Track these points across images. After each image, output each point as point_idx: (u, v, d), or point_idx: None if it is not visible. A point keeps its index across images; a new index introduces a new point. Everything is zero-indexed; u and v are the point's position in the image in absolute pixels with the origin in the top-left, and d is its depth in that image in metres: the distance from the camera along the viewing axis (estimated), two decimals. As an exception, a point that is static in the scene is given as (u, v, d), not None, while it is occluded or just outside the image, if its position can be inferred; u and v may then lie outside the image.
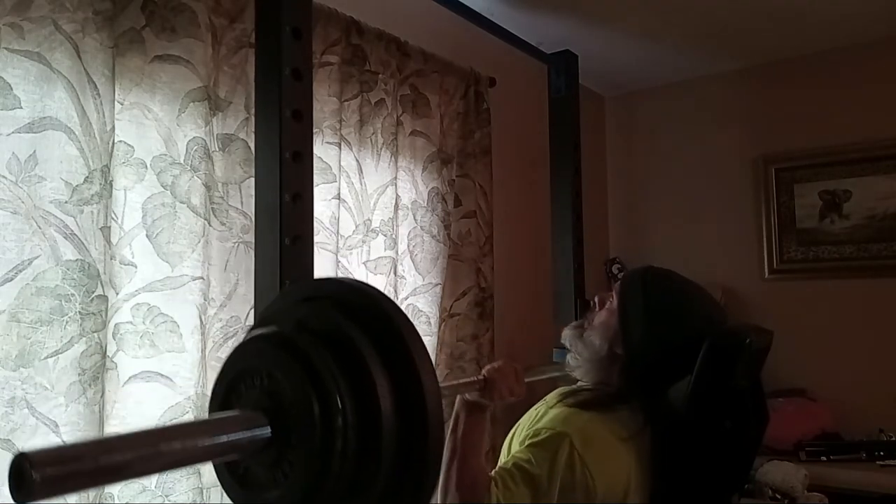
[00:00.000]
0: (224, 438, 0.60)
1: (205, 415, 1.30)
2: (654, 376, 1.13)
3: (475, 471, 1.12)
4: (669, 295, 1.20)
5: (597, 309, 1.28)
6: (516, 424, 1.27)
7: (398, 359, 0.61)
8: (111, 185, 1.18)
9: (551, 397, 1.28)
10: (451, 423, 1.19)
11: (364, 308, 0.64)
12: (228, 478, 0.65)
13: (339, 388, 0.59)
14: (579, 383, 1.27)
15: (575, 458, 1.05)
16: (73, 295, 1.10)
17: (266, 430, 0.61)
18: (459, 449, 1.14)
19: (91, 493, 1.09)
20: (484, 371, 1.19)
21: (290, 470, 0.60)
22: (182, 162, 1.28)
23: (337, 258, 1.58)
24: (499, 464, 1.13)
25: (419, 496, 0.61)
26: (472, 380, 1.18)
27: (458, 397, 1.21)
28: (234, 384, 0.66)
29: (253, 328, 0.70)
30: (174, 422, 1.24)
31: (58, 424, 1.08)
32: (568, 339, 1.30)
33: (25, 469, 0.46)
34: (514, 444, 1.20)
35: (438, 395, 0.62)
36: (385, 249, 1.76)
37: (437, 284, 1.92)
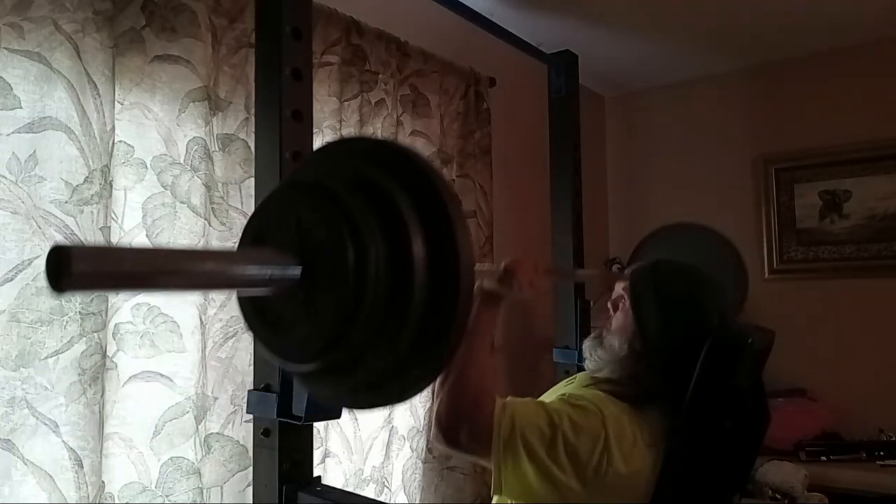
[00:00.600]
0: (255, 270, 0.60)
1: (205, 416, 1.30)
2: (678, 368, 1.10)
3: (483, 364, 1.09)
4: (680, 284, 1.20)
5: (612, 313, 1.26)
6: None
7: (435, 215, 0.60)
8: (111, 185, 1.18)
9: (582, 378, 1.26)
10: None
11: (404, 165, 0.63)
12: (256, 321, 0.65)
13: (375, 235, 0.58)
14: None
15: (601, 440, 1.04)
16: (73, 295, 1.10)
17: (297, 270, 0.60)
18: (469, 337, 1.11)
19: (91, 493, 1.09)
20: (505, 262, 1.16)
21: (319, 311, 0.60)
22: (182, 162, 1.28)
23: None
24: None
25: (443, 351, 0.61)
26: (493, 267, 1.15)
27: (476, 285, 1.16)
28: (266, 226, 0.65)
29: (287, 180, 0.69)
30: (174, 421, 1.24)
31: (58, 424, 1.07)
32: (588, 349, 1.25)
33: (64, 261, 0.47)
34: None
35: (472, 254, 0.61)
36: (385, 249, 1.75)
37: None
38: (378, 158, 0.65)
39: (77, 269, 0.47)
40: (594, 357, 1.22)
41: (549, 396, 1.23)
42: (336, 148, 0.74)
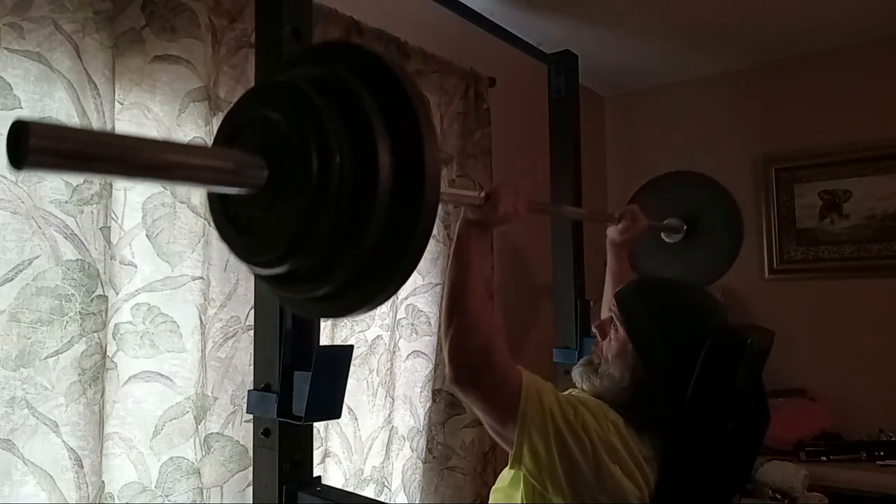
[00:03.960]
0: (222, 166, 0.60)
1: (205, 416, 1.30)
2: (683, 388, 1.08)
3: (484, 295, 1.09)
4: (672, 301, 1.18)
5: (600, 340, 1.23)
6: None
7: (403, 122, 0.60)
8: (111, 185, 1.18)
9: (578, 391, 1.25)
10: (453, 244, 1.17)
11: (374, 69, 0.62)
12: (226, 224, 0.66)
13: (339, 134, 0.58)
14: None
15: (612, 442, 1.04)
16: (73, 295, 1.10)
17: (263, 172, 0.60)
18: (466, 269, 1.11)
19: (91, 493, 1.09)
20: (486, 189, 1.15)
21: (284, 212, 0.60)
22: (182, 162, 1.28)
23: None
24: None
25: (405, 259, 0.61)
26: (474, 194, 1.14)
27: (461, 219, 1.17)
28: (236, 129, 0.65)
29: (263, 80, 0.69)
30: (174, 421, 1.24)
31: (58, 424, 1.07)
32: (580, 376, 1.23)
33: (22, 135, 0.46)
34: None
35: (438, 164, 0.61)
36: (385, 249, 1.75)
37: (437, 284, 1.92)
38: (353, 63, 0.64)
39: (34, 144, 0.46)
40: (592, 384, 1.19)
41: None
42: (313, 51, 0.73)
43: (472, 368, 1.06)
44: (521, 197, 1.16)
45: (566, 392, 1.29)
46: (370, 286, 0.63)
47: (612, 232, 1.71)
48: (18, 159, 0.46)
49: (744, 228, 2.11)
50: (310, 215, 0.58)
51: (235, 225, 0.65)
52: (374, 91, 0.61)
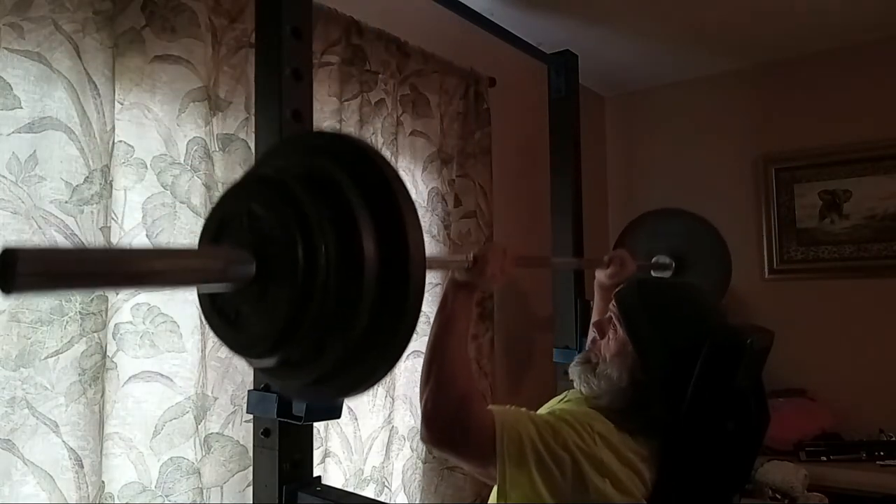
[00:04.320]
0: (210, 266, 0.61)
1: (205, 416, 1.30)
2: (683, 389, 1.08)
3: (465, 357, 1.10)
4: (672, 301, 1.17)
5: (598, 338, 1.22)
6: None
7: (385, 208, 0.61)
8: (111, 185, 1.18)
9: (575, 397, 1.25)
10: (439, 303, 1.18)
11: (355, 158, 0.64)
12: (216, 318, 0.67)
13: (323, 228, 0.60)
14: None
15: (597, 454, 1.03)
16: (72, 295, 1.10)
17: (251, 266, 0.62)
18: (447, 329, 1.12)
19: (91, 493, 1.09)
20: (473, 251, 1.16)
21: (272, 305, 0.61)
22: (182, 162, 1.28)
23: (337, 258, 1.58)
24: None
25: (396, 340, 0.62)
26: (462, 257, 1.15)
27: (448, 278, 1.19)
28: (222, 224, 0.66)
29: (246, 174, 0.70)
30: (174, 421, 1.24)
31: (58, 424, 1.07)
32: (578, 374, 1.21)
33: (10, 263, 0.47)
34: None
35: (422, 245, 0.62)
36: (385, 249, 1.75)
37: (437, 284, 1.92)
38: (334, 153, 0.65)
39: (23, 269, 0.47)
40: (590, 385, 1.18)
41: (543, 410, 1.22)
42: (294, 142, 0.75)
43: (445, 429, 1.05)
44: (508, 259, 1.18)
45: (558, 399, 1.29)
46: (364, 369, 0.64)
47: (601, 275, 1.71)
48: (7, 285, 0.47)
49: (731, 263, 2.12)
50: (298, 307, 0.60)
51: (223, 316, 0.66)
52: (356, 178, 0.62)
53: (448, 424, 1.05)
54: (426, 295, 1.51)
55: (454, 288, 1.16)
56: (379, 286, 0.61)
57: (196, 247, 0.69)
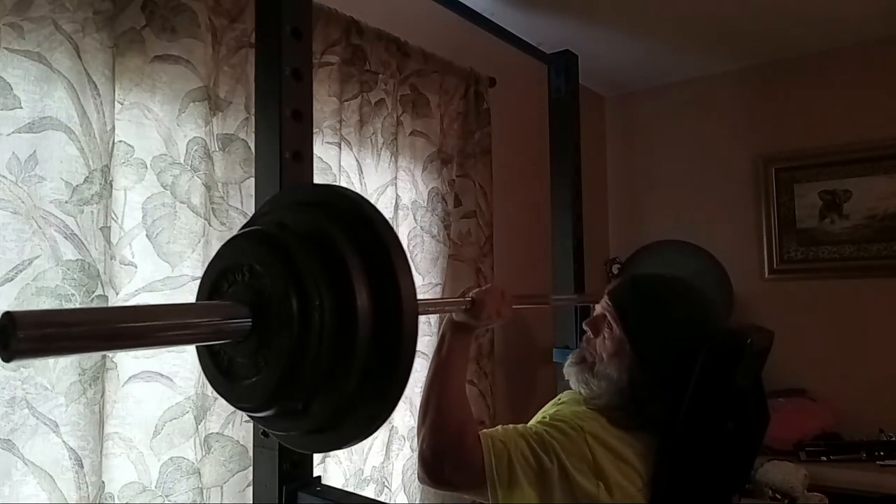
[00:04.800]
0: (207, 323, 0.62)
1: (205, 416, 1.30)
2: (682, 387, 1.08)
3: (461, 394, 1.11)
4: (668, 296, 1.17)
5: (593, 337, 1.20)
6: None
7: (379, 264, 0.63)
8: (111, 185, 1.18)
9: (571, 398, 1.24)
10: (437, 343, 1.20)
11: (350, 213, 0.66)
12: (214, 370, 0.68)
13: (318, 285, 0.62)
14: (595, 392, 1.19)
15: (587, 453, 1.03)
16: (73, 295, 1.10)
17: (247, 321, 0.63)
18: (444, 368, 1.14)
19: (91, 493, 1.09)
20: (472, 293, 1.19)
21: (267, 359, 0.63)
22: (182, 162, 1.28)
23: (337, 258, 1.58)
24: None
25: (391, 389, 0.64)
26: (460, 299, 1.18)
27: (446, 318, 1.21)
28: (219, 279, 0.68)
29: (242, 228, 0.72)
30: (174, 421, 1.24)
31: (58, 424, 1.07)
32: (574, 375, 1.20)
33: (9, 329, 0.47)
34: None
35: (414, 298, 0.64)
36: (385, 249, 1.75)
37: (437, 284, 1.92)
38: (331, 209, 0.68)
39: (23, 334, 0.48)
40: (589, 386, 1.17)
41: (537, 417, 1.21)
42: (293, 194, 0.77)
43: (439, 469, 1.06)
44: (506, 301, 1.20)
45: (553, 401, 1.28)
46: (360, 418, 0.66)
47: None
48: (7, 352, 0.48)
49: (733, 296, 2.13)
50: (292, 361, 0.61)
51: (220, 368, 0.68)
52: (351, 233, 0.65)
53: (442, 465, 1.05)
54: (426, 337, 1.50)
55: (452, 328, 1.18)
56: (373, 339, 0.63)
57: (194, 301, 0.71)
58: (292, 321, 0.61)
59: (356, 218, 0.65)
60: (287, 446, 0.79)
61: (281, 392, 0.63)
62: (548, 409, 1.25)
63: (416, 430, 1.13)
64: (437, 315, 1.48)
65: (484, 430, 1.06)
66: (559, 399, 1.28)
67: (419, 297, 0.66)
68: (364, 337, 0.62)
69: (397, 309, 0.62)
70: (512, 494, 1.01)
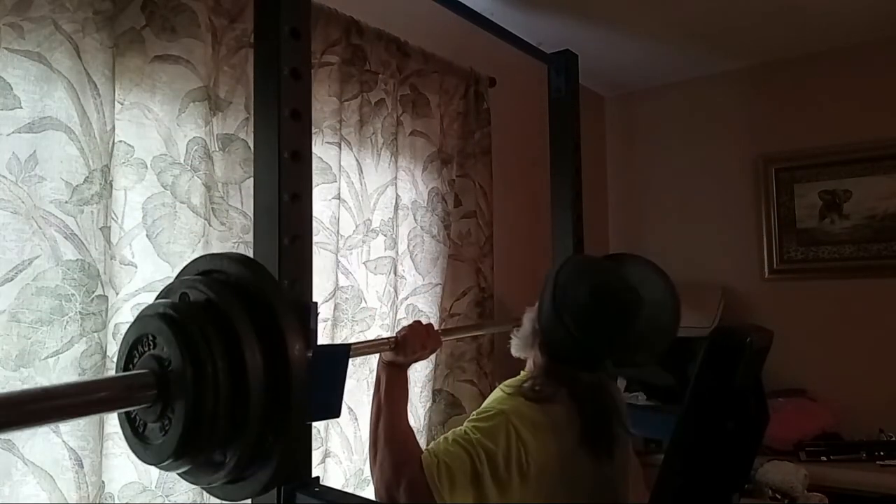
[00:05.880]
0: (112, 396, 0.72)
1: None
2: (561, 353, 1.24)
3: (402, 427, 1.18)
4: (579, 273, 1.28)
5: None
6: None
7: (269, 327, 0.74)
8: (111, 185, 1.18)
9: (494, 394, 1.33)
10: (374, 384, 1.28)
11: (246, 283, 0.77)
12: (131, 435, 0.77)
13: (212, 350, 0.71)
14: (521, 373, 1.35)
15: (511, 432, 1.11)
16: (73, 295, 1.10)
17: (153, 390, 0.73)
18: (383, 407, 1.21)
19: (91, 493, 1.10)
20: (397, 332, 1.28)
21: (171, 420, 0.72)
22: (182, 162, 1.28)
23: (337, 258, 1.58)
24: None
25: (290, 435, 0.75)
26: (385, 339, 1.26)
27: (378, 359, 1.29)
28: (131, 350, 0.78)
29: (156, 298, 0.82)
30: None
31: (58, 424, 1.07)
32: (512, 333, 1.39)
33: None
34: None
35: (302, 356, 0.75)
36: (385, 249, 1.76)
37: (437, 284, 1.92)
38: (226, 276, 0.79)
39: None
40: (514, 339, 1.36)
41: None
42: (195, 265, 0.86)
43: (393, 500, 1.11)
44: (431, 336, 1.31)
45: (488, 403, 1.32)
46: (272, 463, 0.75)
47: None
48: None
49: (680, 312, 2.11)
50: (191, 421, 0.70)
51: (134, 429, 0.77)
52: (241, 298, 0.75)
53: (395, 497, 1.11)
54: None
55: (384, 368, 1.27)
56: (267, 391, 0.72)
57: (107, 376, 0.85)
58: (188, 385, 0.69)
59: (247, 284, 0.76)
60: (215, 496, 0.86)
61: (184, 451, 0.71)
62: (487, 402, 1.32)
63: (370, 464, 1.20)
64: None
65: (426, 449, 1.12)
66: (495, 392, 1.34)
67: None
68: (257, 392, 0.71)
69: (285, 362, 0.72)
70: (454, 496, 1.08)
